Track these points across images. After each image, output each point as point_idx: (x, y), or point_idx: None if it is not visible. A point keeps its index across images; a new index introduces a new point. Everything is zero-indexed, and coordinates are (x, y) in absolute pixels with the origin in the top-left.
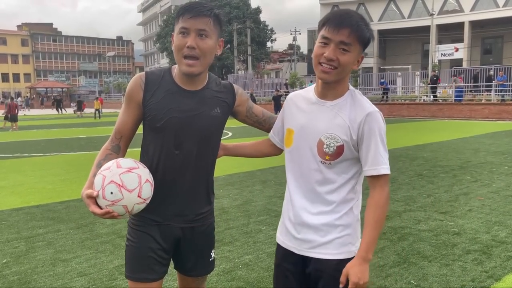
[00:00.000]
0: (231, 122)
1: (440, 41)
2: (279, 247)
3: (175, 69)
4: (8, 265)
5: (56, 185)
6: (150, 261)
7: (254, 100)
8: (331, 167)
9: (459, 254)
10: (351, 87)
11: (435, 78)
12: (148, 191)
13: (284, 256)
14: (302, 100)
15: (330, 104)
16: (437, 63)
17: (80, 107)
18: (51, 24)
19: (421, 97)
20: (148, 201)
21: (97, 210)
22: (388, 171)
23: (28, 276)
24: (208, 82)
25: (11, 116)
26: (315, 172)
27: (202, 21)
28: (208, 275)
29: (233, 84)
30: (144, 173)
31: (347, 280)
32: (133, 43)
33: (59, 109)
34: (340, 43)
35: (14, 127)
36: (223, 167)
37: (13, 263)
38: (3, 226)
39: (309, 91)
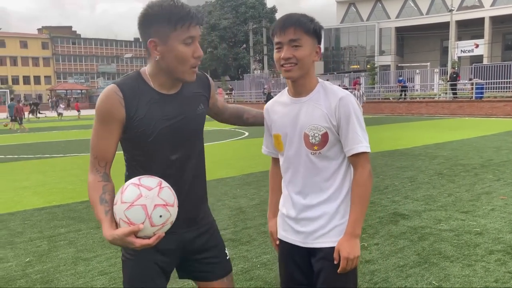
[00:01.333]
0: None
1: (459, 38)
2: (283, 243)
3: (146, 73)
4: (31, 264)
5: (77, 185)
6: (153, 275)
7: (269, 99)
8: (321, 156)
9: (482, 254)
10: (319, 79)
11: (454, 75)
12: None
13: (290, 251)
14: (279, 105)
15: (305, 100)
16: (457, 60)
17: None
18: (71, 27)
19: (440, 95)
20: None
21: (147, 241)
22: (366, 149)
23: (50, 275)
24: None
25: (18, 118)
26: (308, 164)
27: (199, 27)
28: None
29: (207, 75)
30: (163, 181)
31: (340, 257)
32: None
33: (36, 113)
34: (289, 41)
35: (22, 129)
36: (240, 167)
37: (36, 262)
38: (27, 226)
39: (283, 95)
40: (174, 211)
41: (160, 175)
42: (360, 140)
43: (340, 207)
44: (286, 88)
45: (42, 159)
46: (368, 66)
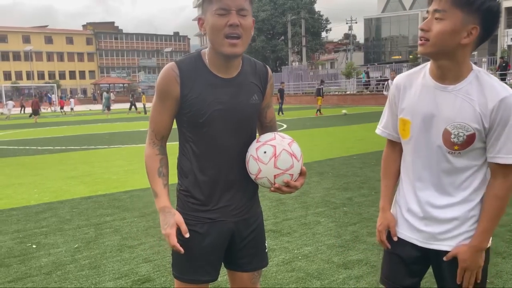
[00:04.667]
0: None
1: (509, 25)
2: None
3: (206, 55)
4: (79, 250)
5: (120, 175)
6: (203, 262)
7: (282, 95)
8: (461, 156)
9: None
10: (474, 66)
11: (504, 65)
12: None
13: (400, 246)
14: (416, 86)
15: (452, 88)
16: (506, 49)
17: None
18: (113, 23)
19: None
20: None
21: (178, 247)
22: None
23: (98, 261)
24: (243, 66)
25: (34, 111)
26: (442, 163)
27: None
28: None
29: (269, 69)
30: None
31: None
32: (189, 38)
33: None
34: (434, 11)
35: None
36: None
37: (84, 248)
38: (75, 213)
39: (422, 73)
40: (298, 165)
41: (211, 160)
42: None
43: (473, 211)
44: (427, 65)
45: (88, 151)
46: (410, 56)
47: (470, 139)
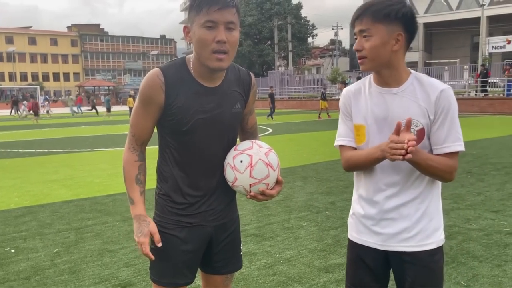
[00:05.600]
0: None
1: (491, 33)
2: (354, 244)
3: (191, 62)
4: (59, 254)
5: (103, 179)
6: (181, 265)
7: (273, 100)
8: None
9: None
10: (412, 70)
11: (484, 72)
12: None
13: (361, 253)
14: (364, 93)
15: (397, 91)
16: (488, 56)
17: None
18: (99, 25)
19: (469, 92)
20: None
21: (150, 255)
22: (463, 148)
23: (78, 265)
24: (226, 74)
25: (34, 112)
26: (397, 162)
27: (229, 12)
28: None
29: (252, 77)
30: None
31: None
32: (176, 42)
33: (16, 111)
34: (360, 32)
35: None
36: None
37: (64, 252)
38: (55, 217)
39: (367, 82)
40: (274, 174)
41: (192, 166)
42: (459, 138)
43: (429, 208)
44: (370, 75)
45: (71, 154)
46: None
47: (421, 134)
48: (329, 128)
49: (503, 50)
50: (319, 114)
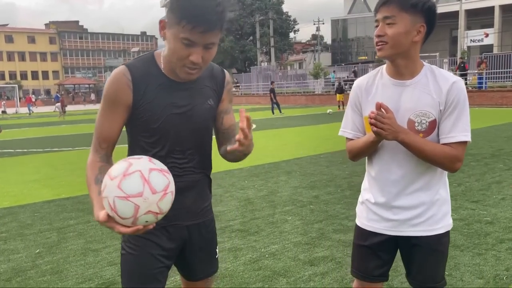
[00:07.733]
0: (255, 115)
1: (469, 27)
2: (362, 231)
3: (161, 57)
4: (41, 255)
5: (85, 178)
6: (154, 271)
7: (274, 94)
8: None
9: (493, 243)
10: (425, 63)
11: (462, 65)
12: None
13: (370, 239)
14: (376, 85)
15: (410, 83)
16: (466, 50)
17: None
18: (77, 22)
19: None
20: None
21: (126, 229)
22: (469, 139)
23: (60, 265)
24: None
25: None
26: (409, 152)
27: (212, 34)
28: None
29: (226, 74)
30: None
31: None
32: (157, 38)
33: None
34: (384, 18)
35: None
36: (247, 159)
37: (46, 253)
38: (36, 218)
39: (379, 74)
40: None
41: (165, 165)
42: (467, 129)
43: (438, 195)
44: (383, 66)
45: (52, 153)
46: (376, 57)
47: (432, 125)
48: (313, 123)
49: (481, 43)
50: (339, 106)
